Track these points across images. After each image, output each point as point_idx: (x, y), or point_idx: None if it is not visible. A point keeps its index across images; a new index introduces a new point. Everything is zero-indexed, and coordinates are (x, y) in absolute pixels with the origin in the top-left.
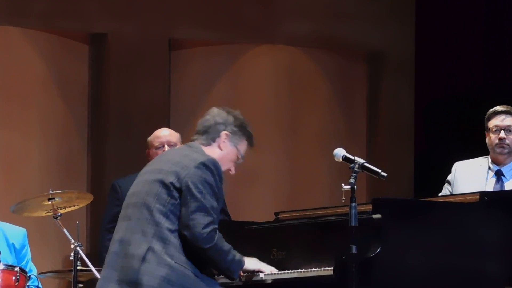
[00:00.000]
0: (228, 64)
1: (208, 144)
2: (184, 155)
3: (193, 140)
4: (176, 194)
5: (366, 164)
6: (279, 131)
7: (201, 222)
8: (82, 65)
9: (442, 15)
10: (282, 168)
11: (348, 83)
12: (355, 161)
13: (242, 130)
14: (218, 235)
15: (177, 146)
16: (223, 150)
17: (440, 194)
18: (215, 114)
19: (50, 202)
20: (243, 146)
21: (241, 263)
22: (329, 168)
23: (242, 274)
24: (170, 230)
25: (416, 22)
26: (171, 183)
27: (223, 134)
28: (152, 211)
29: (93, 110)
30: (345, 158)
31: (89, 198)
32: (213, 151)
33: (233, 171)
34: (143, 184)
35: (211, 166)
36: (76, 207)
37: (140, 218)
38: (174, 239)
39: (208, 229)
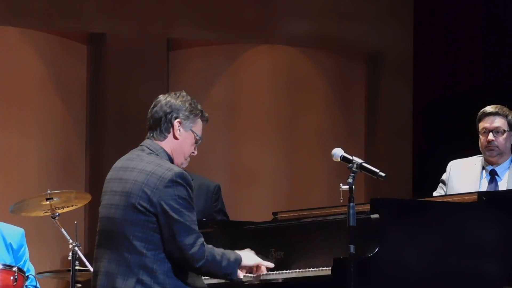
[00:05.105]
0: (226, 64)
1: (164, 138)
2: (149, 172)
3: (148, 138)
4: (152, 218)
5: (365, 164)
6: (278, 131)
7: (187, 243)
8: (81, 65)
9: (441, 15)
10: (281, 168)
11: (347, 84)
12: (353, 161)
13: (193, 111)
14: (206, 247)
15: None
16: (180, 139)
17: (434, 193)
18: (163, 104)
19: (48, 202)
20: (198, 126)
21: (237, 262)
22: (327, 168)
23: (244, 272)
24: (154, 257)
25: (415, 22)
26: (145, 208)
27: (176, 123)
28: (132, 240)
29: (92, 110)
30: (343, 158)
31: (87, 198)
32: (170, 143)
33: (195, 153)
34: (115, 209)
35: (179, 180)
36: (74, 207)
37: (122, 249)
38: (160, 266)
39: (195, 248)
